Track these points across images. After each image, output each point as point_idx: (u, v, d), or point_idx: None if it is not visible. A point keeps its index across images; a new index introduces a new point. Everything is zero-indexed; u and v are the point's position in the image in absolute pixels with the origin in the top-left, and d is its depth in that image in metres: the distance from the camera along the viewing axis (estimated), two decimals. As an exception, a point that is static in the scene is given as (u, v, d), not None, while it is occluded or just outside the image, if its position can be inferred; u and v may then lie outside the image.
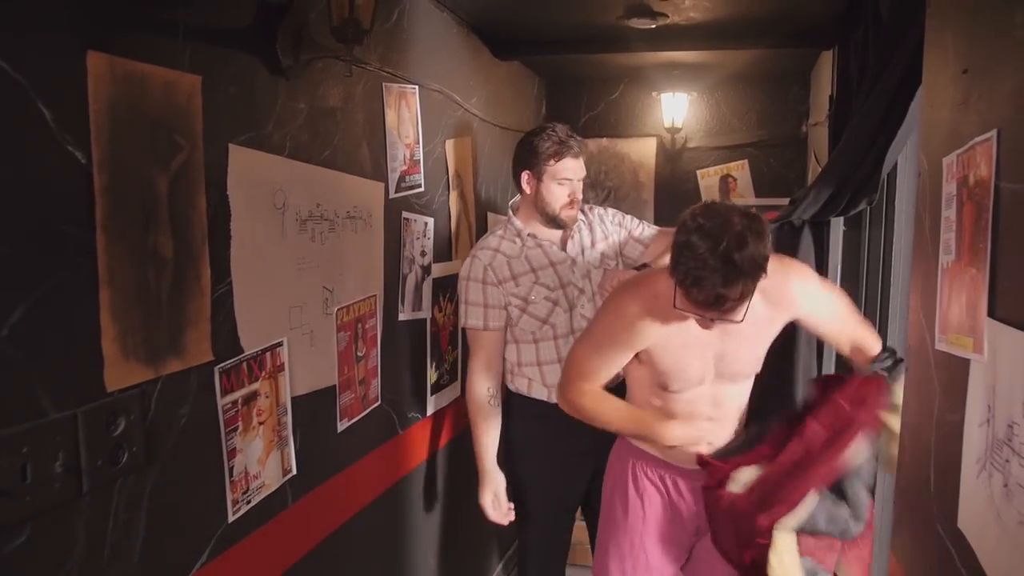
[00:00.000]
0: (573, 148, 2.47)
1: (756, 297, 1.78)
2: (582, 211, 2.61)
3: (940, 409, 1.34)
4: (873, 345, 2.06)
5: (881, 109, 2.01)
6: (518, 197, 2.60)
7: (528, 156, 2.50)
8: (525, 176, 2.51)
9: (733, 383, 2.05)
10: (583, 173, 2.53)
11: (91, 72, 1.22)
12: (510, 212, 2.61)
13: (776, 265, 1.83)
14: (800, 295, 1.99)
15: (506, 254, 2.51)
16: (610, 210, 2.73)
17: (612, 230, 2.65)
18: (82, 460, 1.22)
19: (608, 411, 2.05)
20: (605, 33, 3.07)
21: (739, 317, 1.75)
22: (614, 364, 2.03)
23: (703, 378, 2.01)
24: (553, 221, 2.51)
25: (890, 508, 2.20)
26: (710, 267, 1.65)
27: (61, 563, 1.21)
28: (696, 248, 1.66)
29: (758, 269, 1.68)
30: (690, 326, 1.88)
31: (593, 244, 2.60)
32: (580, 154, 2.50)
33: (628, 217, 2.71)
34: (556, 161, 2.45)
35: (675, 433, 1.95)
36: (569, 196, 2.48)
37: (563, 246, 2.55)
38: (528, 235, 2.52)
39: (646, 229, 2.70)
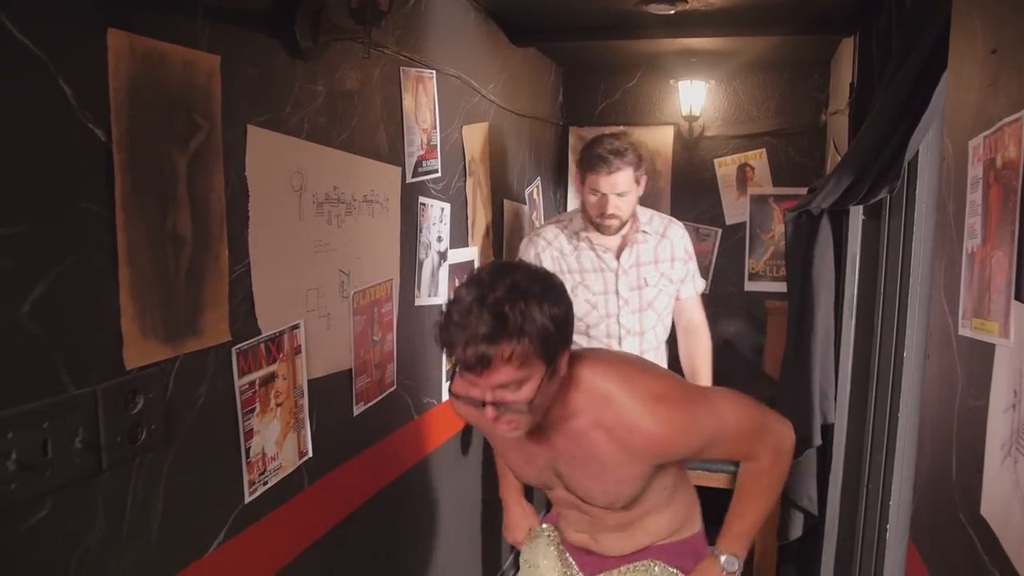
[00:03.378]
0: (609, 165, 2.50)
1: (597, 430, 1.52)
2: (653, 224, 2.70)
3: (963, 395, 1.32)
4: (762, 454, 1.66)
5: (904, 94, 1.99)
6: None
7: (579, 160, 2.62)
8: (577, 179, 2.63)
9: (598, 506, 1.69)
10: (622, 188, 2.53)
11: (111, 50, 1.22)
12: (576, 208, 2.72)
13: (629, 402, 1.52)
14: (662, 441, 1.54)
15: (559, 249, 2.66)
16: (688, 238, 2.79)
17: (680, 256, 2.72)
18: (101, 437, 1.23)
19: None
20: (623, 19, 3.04)
21: (528, 396, 1.38)
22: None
23: (549, 485, 1.72)
24: (594, 225, 2.60)
25: (908, 496, 2.18)
26: (473, 315, 1.33)
27: (81, 538, 1.21)
28: (462, 299, 1.36)
29: (540, 327, 1.35)
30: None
31: (656, 261, 2.68)
32: (616, 171, 2.50)
33: (694, 262, 2.78)
34: (589, 173, 2.54)
35: (509, 532, 2.05)
36: (599, 209, 2.55)
37: (617, 254, 2.64)
38: (584, 237, 2.64)
39: (691, 287, 2.77)
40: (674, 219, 2.79)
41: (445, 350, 1.41)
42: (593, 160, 2.52)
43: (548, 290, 1.40)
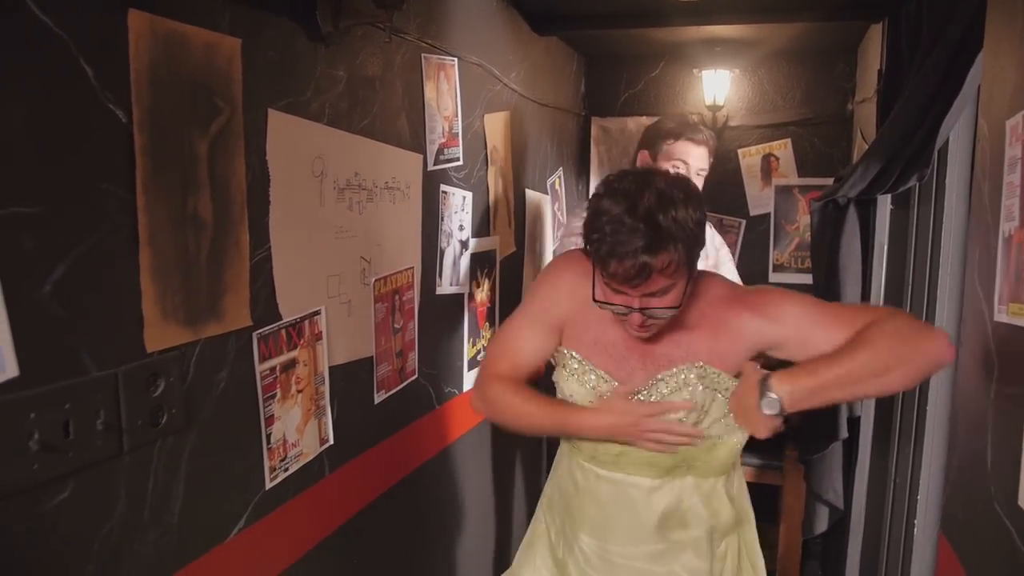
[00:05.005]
0: (699, 134, 2.34)
1: (698, 322, 1.52)
2: None
3: (999, 383, 1.28)
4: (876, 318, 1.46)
5: (936, 77, 1.94)
6: None
7: (649, 135, 2.44)
8: (641, 156, 2.43)
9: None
10: (701, 165, 2.38)
11: (132, 30, 1.21)
12: None
13: (726, 292, 1.58)
14: (756, 328, 1.53)
15: None
16: (718, 237, 2.71)
17: (712, 255, 2.63)
18: (123, 419, 1.22)
19: (525, 400, 1.61)
20: (646, 7, 3.01)
21: (675, 301, 1.41)
22: (538, 342, 1.66)
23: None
24: None
25: (938, 490, 2.14)
26: (627, 228, 1.32)
27: (103, 521, 1.21)
28: (608, 211, 1.35)
29: (689, 233, 1.37)
30: (609, 324, 1.56)
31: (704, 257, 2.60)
32: (703, 143, 2.36)
33: (726, 254, 2.71)
34: (674, 141, 2.36)
35: (601, 421, 1.54)
36: None
37: None
38: None
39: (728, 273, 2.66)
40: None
41: (597, 263, 1.41)
42: (679, 127, 2.33)
43: (689, 195, 1.40)
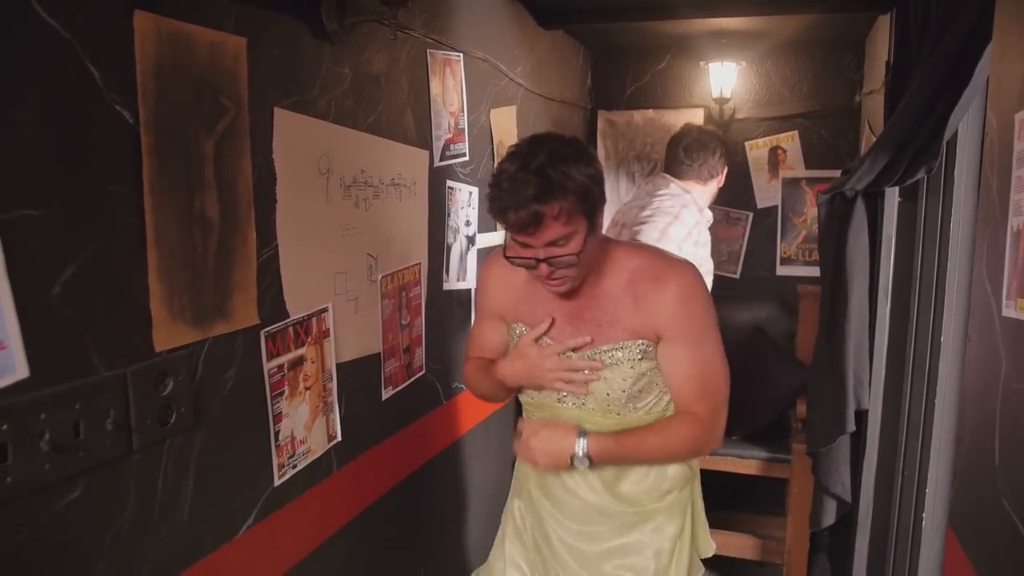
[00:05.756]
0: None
1: (622, 288, 1.62)
2: None
3: (1007, 378, 1.28)
4: (696, 414, 1.66)
5: (944, 69, 1.92)
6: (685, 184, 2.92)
7: (726, 154, 3.00)
8: (725, 169, 3.01)
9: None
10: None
11: (138, 31, 1.22)
12: (692, 194, 2.90)
13: (651, 262, 1.65)
14: (667, 307, 1.61)
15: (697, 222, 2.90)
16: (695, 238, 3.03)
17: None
18: (132, 419, 1.23)
19: (473, 368, 1.84)
20: (652, 0, 2.99)
21: (576, 249, 1.50)
22: (487, 333, 1.83)
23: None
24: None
25: (945, 484, 2.14)
26: (520, 181, 1.44)
27: (114, 519, 1.22)
28: (506, 170, 1.48)
29: (580, 185, 1.47)
30: (539, 298, 1.68)
31: None
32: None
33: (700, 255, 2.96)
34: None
35: (513, 365, 1.70)
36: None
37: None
38: (706, 220, 2.94)
39: None
40: None
41: (498, 217, 1.52)
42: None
43: (581, 153, 1.52)
